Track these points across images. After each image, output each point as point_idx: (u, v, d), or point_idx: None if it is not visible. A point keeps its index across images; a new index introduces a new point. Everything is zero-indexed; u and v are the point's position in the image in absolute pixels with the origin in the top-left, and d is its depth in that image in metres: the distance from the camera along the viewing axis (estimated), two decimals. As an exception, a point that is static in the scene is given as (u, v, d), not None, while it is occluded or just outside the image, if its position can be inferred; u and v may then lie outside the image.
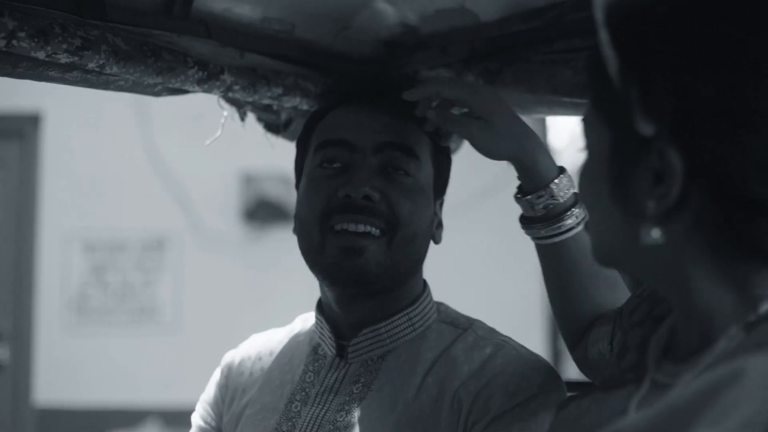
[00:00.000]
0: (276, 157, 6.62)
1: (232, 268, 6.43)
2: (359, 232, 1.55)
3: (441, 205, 1.70)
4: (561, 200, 1.52)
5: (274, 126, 1.94)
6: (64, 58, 1.48)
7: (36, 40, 1.43)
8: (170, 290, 6.40)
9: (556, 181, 1.52)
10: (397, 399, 1.55)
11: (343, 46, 1.92)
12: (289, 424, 1.61)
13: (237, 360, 1.80)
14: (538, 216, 1.54)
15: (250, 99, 1.75)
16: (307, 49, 1.88)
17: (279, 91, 1.76)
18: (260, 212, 6.42)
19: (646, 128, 0.94)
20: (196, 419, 1.80)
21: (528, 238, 1.60)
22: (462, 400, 1.51)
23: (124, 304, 6.38)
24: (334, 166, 1.61)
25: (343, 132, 1.63)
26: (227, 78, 1.68)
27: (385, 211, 1.57)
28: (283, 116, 1.93)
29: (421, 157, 1.63)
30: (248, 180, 6.45)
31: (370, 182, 1.57)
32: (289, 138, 1.98)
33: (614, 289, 1.57)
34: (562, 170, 1.54)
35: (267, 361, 1.76)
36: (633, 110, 0.95)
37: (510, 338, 1.60)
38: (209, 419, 1.78)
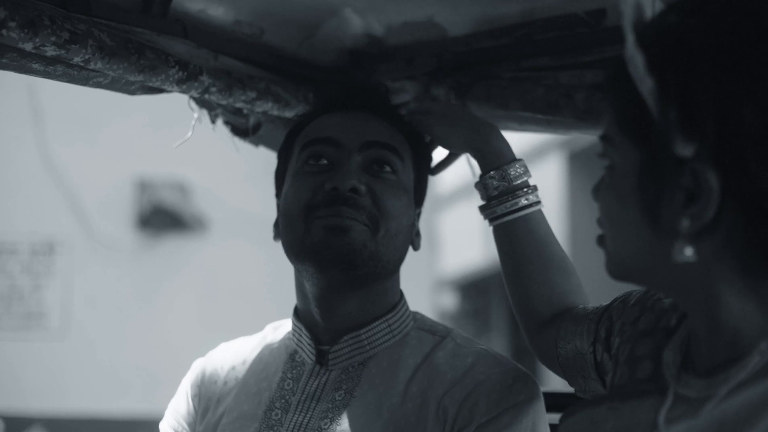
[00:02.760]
0: (173, 165, 6.56)
1: (123, 275, 6.33)
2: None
3: (419, 215, 1.72)
4: (512, 183, 1.63)
5: (241, 130, 1.94)
6: (50, 51, 1.46)
7: (26, 30, 1.42)
8: (59, 296, 6.26)
9: (512, 164, 1.65)
10: (382, 406, 1.57)
11: (308, 53, 1.94)
12: (271, 431, 1.61)
13: (208, 369, 1.78)
14: (493, 196, 1.65)
15: (224, 102, 1.75)
16: (274, 54, 1.89)
17: (253, 95, 1.76)
18: (155, 220, 6.34)
19: (684, 149, 0.96)
20: (166, 429, 1.77)
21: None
22: (447, 408, 1.53)
23: (11, 309, 6.21)
24: (320, 163, 1.64)
25: (329, 131, 1.66)
26: (205, 79, 1.67)
27: (369, 205, 1.60)
28: (252, 120, 1.93)
29: (405, 159, 1.68)
30: (143, 186, 6.37)
31: (357, 176, 1.60)
32: (254, 143, 1.98)
33: (568, 277, 1.64)
34: (519, 159, 1.66)
35: (241, 370, 1.74)
36: (670, 131, 0.97)
37: (488, 346, 1.63)
38: (180, 429, 1.75)
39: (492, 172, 1.64)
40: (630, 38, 0.99)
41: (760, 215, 0.96)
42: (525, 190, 1.63)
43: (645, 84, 0.98)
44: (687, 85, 0.97)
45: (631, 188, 1.04)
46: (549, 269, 1.62)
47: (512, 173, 1.63)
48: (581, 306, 1.57)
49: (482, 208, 1.67)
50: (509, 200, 1.63)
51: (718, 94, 0.96)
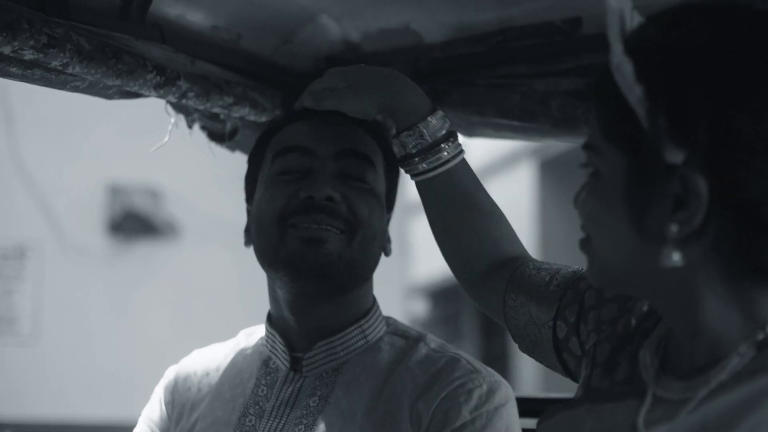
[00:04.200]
0: (145, 170, 6.53)
1: (94, 280, 6.31)
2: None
3: (388, 221, 1.73)
4: (430, 140, 1.54)
5: (218, 135, 1.95)
6: (29, 55, 1.47)
7: (4, 34, 1.42)
8: (30, 301, 6.23)
9: (428, 119, 1.54)
10: (356, 412, 1.57)
11: (285, 59, 1.95)
12: None
13: (182, 376, 1.77)
14: (413, 153, 1.56)
15: (201, 107, 1.76)
16: (251, 60, 1.90)
17: (230, 100, 1.78)
18: (126, 225, 6.32)
19: (674, 156, 0.97)
20: None
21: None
22: (421, 412, 1.54)
23: (-18, 314, 6.19)
24: (294, 171, 1.63)
25: (302, 140, 1.65)
26: (183, 84, 1.68)
27: (345, 212, 1.60)
28: (228, 126, 1.94)
29: (377, 167, 1.68)
30: (115, 191, 6.35)
31: (332, 185, 1.60)
32: (231, 148, 1.99)
33: (499, 224, 1.59)
34: (434, 109, 1.57)
35: (215, 377, 1.74)
36: (659, 138, 0.98)
37: (461, 351, 1.64)
38: None
39: (408, 131, 1.54)
40: (617, 47, 1.00)
41: (747, 221, 0.98)
42: (446, 143, 1.55)
43: (633, 92, 0.99)
44: (677, 93, 0.98)
45: (617, 195, 1.05)
46: (478, 218, 1.57)
47: (429, 129, 1.54)
48: (529, 266, 1.51)
49: (402, 164, 1.59)
50: (431, 156, 1.54)
51: (710, 101, 0.97)
